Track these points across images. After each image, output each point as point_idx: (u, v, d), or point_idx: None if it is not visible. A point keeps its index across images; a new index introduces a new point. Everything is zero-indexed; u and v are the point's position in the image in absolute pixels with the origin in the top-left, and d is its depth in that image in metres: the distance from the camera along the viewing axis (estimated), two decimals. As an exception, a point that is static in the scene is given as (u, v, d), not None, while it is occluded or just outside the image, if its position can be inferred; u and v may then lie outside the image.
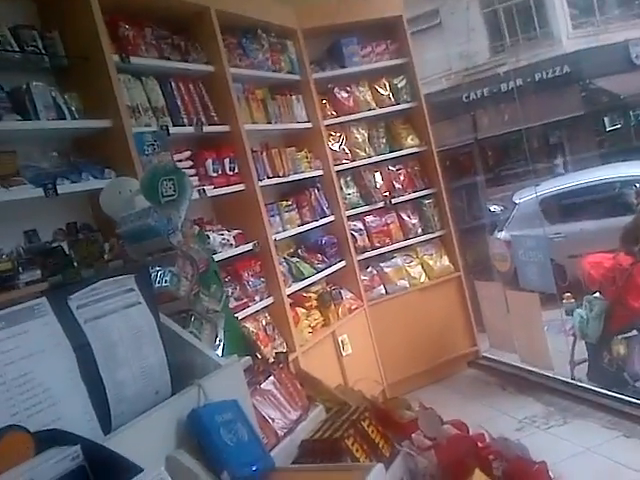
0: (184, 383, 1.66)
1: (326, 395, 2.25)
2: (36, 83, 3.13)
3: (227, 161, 4.41)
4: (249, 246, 4.51)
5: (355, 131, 5.97)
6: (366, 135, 6.04)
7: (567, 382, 5.34)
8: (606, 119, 18.64)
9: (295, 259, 5.21)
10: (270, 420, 1.91)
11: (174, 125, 3.95)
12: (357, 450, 1.87)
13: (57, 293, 1.48)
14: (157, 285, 1.86)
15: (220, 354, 1.96)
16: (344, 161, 5.87)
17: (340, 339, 5.28)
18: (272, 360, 2.18)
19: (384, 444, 1.99)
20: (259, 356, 2.32)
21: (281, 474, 1.63)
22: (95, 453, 1.21)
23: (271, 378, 2.01)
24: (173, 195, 1.95)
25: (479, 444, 2.16)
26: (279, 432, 1.91)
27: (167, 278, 1.87)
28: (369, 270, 5.98)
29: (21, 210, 3.16)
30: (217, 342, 2.01)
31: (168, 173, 1.93)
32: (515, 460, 2.05)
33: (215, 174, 4.30)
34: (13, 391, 1.28)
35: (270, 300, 4.64)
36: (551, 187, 9.52)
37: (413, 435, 2.10)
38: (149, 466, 1.23)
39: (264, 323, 4.56)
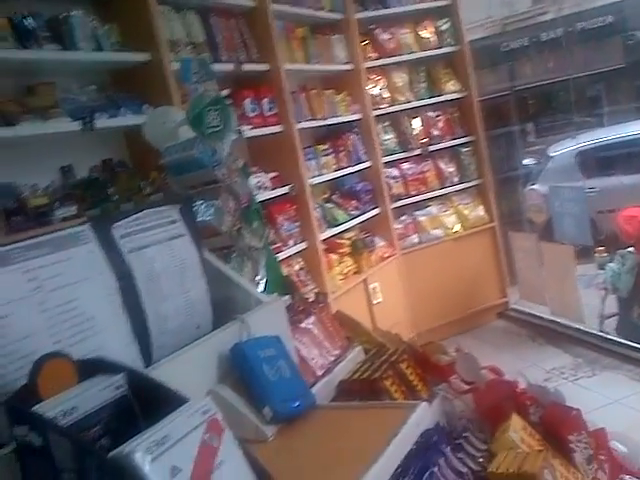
0: (225, 318, 1.64)
1: (365, 337, 2.22)
2: (75, 12, 3.06)
3: (265, 101, 4.34)
4: (285, 189, 4.47)
5: (395, 74, 5.84)
6: (407, 79, 5.91)
7: (596, 335, 5.31)
8: (646, 72, 18.13)
9: (330, 205, 5.17)
10: (309, 359, 1.89)
11: (213, 61, 3.85)
12: (395, 391, 1.85)
13: (100, 221, 1.45)
14: (200, 219, 1.83)
15: (261, 292, 1.94)
16: (383, 105, 5.75)
17: (371, 287, 5.26)
18: (312, 300, 2.15)
19: (422, 386, 1.96)
20: (298, 296, 2.29)
21: (323, 411, 1.61)
22: (139, 382, 1.19)
23: (311, 317, 1.98)
24: (218, 126, 1.90)
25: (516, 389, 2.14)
26: (318, 371, 1.89)
27: (210, 212, 1.84)
28: (403, 218, 5.92)
29: (57, 145, 3.16)
30: (258, 279, 1.98)
31: (214, 103, 1.88)
32: (551, 406, 2.03)
33: (253, 114, 4.25)
34: (56, 319, 1.27)
35: (304, 245, 4.62)
36: (588, 140, 9.30)
37: (451, 378, 2.07)
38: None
39: (297, 268, 4.54)
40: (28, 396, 1.06)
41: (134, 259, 1.46)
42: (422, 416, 1.53)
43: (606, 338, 5.22)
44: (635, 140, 8.94)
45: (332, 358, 1.95)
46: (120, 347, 1.37)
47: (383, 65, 5.80)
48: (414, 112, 5.97)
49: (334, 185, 5.46)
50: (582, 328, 5.38)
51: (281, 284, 2.26)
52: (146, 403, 1.16)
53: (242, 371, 1.53)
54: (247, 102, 4.21)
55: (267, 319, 1.70)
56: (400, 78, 5.86)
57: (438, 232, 5.97)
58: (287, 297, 2.05)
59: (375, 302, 5.27)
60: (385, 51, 5.76)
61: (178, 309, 1.54)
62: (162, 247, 1.54)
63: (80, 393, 1.10)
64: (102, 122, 3.11)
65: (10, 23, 2.81)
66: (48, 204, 2.89)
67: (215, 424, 1.06)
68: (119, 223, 1.46)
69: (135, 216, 1.50)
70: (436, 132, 6.01)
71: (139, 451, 0.92)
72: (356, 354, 2.04)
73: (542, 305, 5.82)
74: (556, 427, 1.90)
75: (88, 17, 3.16)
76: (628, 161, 8.71)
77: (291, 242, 4.49)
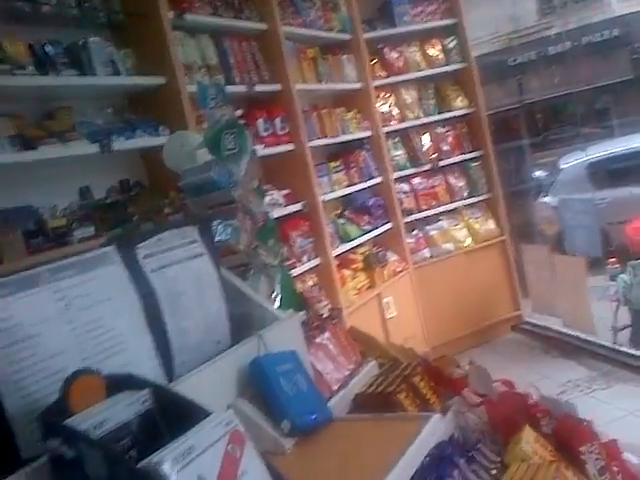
0: (243, 334, 1.70)
1: (378, 351, 2.26)
2: (93, 39, 3.16)
3: (278, 121, 4.42)
4: (298, 206, 4.54)
5: (404, 92, 5.92)
6: (415, 96, 5.99)
7: (610, 347, 5.30)
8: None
9: (342, 220, 5.22)
10: (324, 373, 1.94)
11: (226, 83, 3.93)
12: (409, 405, 1.89)
13: (125, 242, 1.52)
14: (218, 238, 1.89)
15: (277, 308, 1.99)
16: (392, 122, 5.83)
17: (385, 301, 5.29)
18: (326, 315, 2.20)
19: (435, 400, 2.00)
20: (311, 312, 2.34)
21: (339, 424, 1.66)
22: (164, 397, 1.24)
23: (326, 333, 2.03)
24: (234, 149, 1.97)
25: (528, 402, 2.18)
26: (333, 386, 1.93)
27: (228, 231, 1.90)
28: (415, 233, 5.97)
29: (75, 167, 3.23)
30: (274, 296, 2.04)
31: (230, 126, 1.95)
32: (563, 418, 2.06)
33: (266, 133, 4.32)
34: (84, 336, 1.33)
35: (317, 261, 4.67)
36: (598, 152, 9.32)
37: (464, 391, 2.11)
38: (212, 413, 1.27)
39: (311, 284, 4.57)
40: (60, 410, 1.11)
41: (156, 278, 1.52)
42: (435, 427, 1.57)
43: (618, 350, 5.20)
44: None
45: (347, 372, 2.00)
46: (144, 363, 1.43)
47: (392, 83, 5.87)
48: (423, 128, 6.04)
49: (346, 201, 5.51)
50: (595, 340, 5.38)
51: (295, 301, 2.31)
52: (171, 416, 1.22)
53: (260, 385, 1.59)
54: (260, 122, 4.29)
55: (283, 335, 1.75)
56: (409, 95, 5.94)
57: (449, 246, 6.00)
58: (302, 313, 2.09)
59: (389, 316, 5.30)
60: (394, 69, 5.84)
61: (198, 326, 1.59)
62: (183, 266, 1.60)
63: (109, 407, 1.16)
64: (119, 144, 3.19)
65: (31, 50, 2.90)
66: (67, 225, 2.96)
67: (237, 435, 1.12)
68: (142, 244, 1.52)
69: (157, 237, 1.56)
70: (445, 147, 6.07)
71: (167, 461, 0.97)
72: (370, 368, 2.09)
73: (555, 317, 5.82)
74: (568, 438, 1.92)
75: (105, 43, 3.25)
76: (638, 172, 8.71)
77: (305, 258, 4.54)
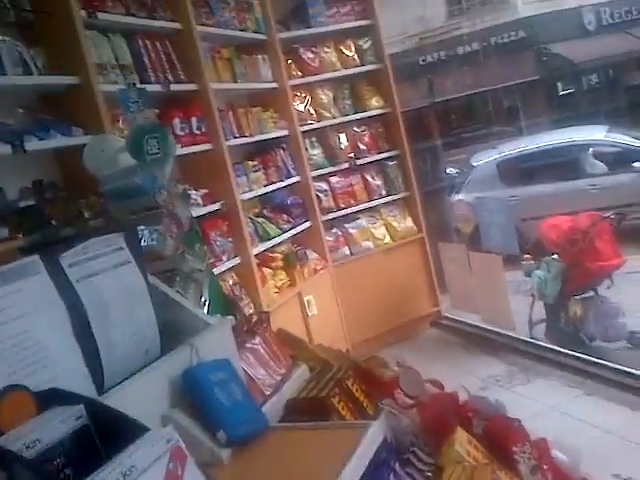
0: (172, 342, 1.66)
1: (308, 354, 2.25)
2: (2, 37, 3.01)
3: (194, 120, 4.35)
4: (216, 206, 4.48)
5: (320, 92, 5.93)
6: (331, 96, 6.01)
7: (529, 342, 5.46)
8: (559, 84, 18.93)
9: (261, 219, 5.19)
10: (256, 379, 1.91)
11: (141, 83, 3.84)
12: (343, 408, 1.88)
13: (48, 251, 1.45)
14: (143, 244, 1.84)
15: (206, 313, 1.95)
16: (309, 122, 5.84)
17: (306, 299, 5.30)
18: (255, 319, 2.18)
19: (367, 403, 2.01)
20: (240, 315, 2.31)
21: (276, 433, 1.64)
22: (98, 412, 1.20)
23: (256, 337, 2.01)
24: (158, 153, 1.91)
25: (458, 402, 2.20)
26: (265, 391, 1.91)
27: (154, 237, 1.85)
28: (334, 231, 6.00)
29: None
30: (202, 301, 2.00)
31: (153, 131, 1.90)
32: (494, 418, 2.10)
33: (182, 133, 4.25)
34: (9, 350, 1.27)
35: (237, 260, 4.63)
36: (508, 149, 9.63)
37: (395, 394, 2.12)
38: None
39: (231, 283, 4.54)
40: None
41: (83, 288, 1.46)
42: (374, 436, 1.57)
43: (537, 345, 5.38)
44: (553, 149, 9.31)
45: (279, 377, 1.98)
46: (73, 376, 1.38)
47: (308, 83, 5.88)
48: (340, 127, 6.08)
49: (265, 200, 5.49)
50: (513, 335, 5.53)
51: (223, 304, 2.28)
52: (106, 432, 1.17)
53: (194, 396, 1.55)
54: (176, 121, 4.21)
55: (215, 342, 1.72)
56: (325, 95, 5.95)
57: (368, 244, 6.06)
58: (231, 317, 2.06)
59: (310, 314, 5.31)
60: (309, 69, 5.84)
61: (127, 336, 1.54)
62: (109, 275, 1.54)
63: (41, 425, 1.11)
64: (32, 145, 3.06)
65: None
66: (-22, 227, 2.82)
67: (178, 452, 1.08)
68: (67, 252, 1.46)
69: (82, 245, 1.50)
70: (362, 146, 6.12)
71: (107, 483, 0.93)
72: (301, 372, 2.07)
73: (473, 313, 5.96)
74: (500, 439, 1.96)
75: (14, 42, 3.11)
76: (548, 170, 9.05)
77: (224, 258, 4.49)
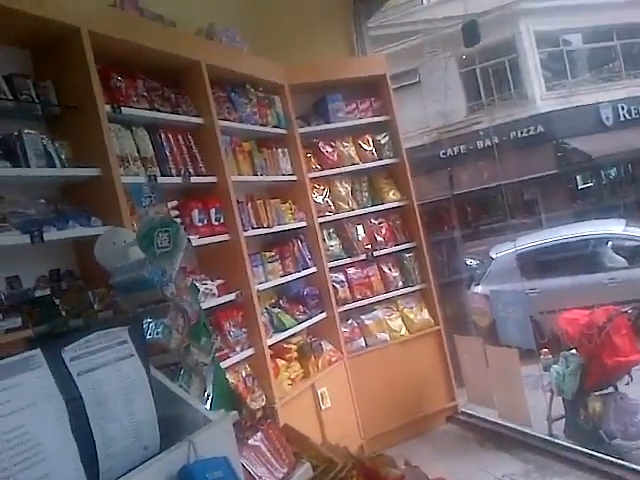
0: (172, 437, 1.64)
1: (312, 452, 2.22)
2: (28, 131, 3.15)
3: (213, 211, 4.44)
4: (232, 296, 4.50)
5: (339, 184, 6.04)
6: (349, 188, 6.11)
7: (545, 439, 5.32)
8: (578, 177, 19.12)
9: (276, 310, 5.20)
10: (257, 477, 1.89)
11: (162, 175, 3.98)
12: (345, 509, 1.86)
13: (51, 344, 1.47)
14: (149, 336, 1.86)
15: (208, 408, 1.95)
16: (327, 213, 5.92)
17: (319, 392, 5.23)
18: (259, 415, 2.17)
19: (371, 503, 1.98)
20: (245, 410, 2.30)
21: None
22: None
23: (259, 434, 2.00)
24: (168, 247, 1.96)
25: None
26: (266, 489, 1.89)
27: (159, 330, 1.87)
28: (349, 322, 5.98)
29: (3, 256, 3.15)
30: (205, 396, 2.00)
31: (164, 225, 1.94)
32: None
33: (200, 224, 4.33)
34: (4, 445, 1.27)
35: (251, 351, 4.60)
36: (527, 242, 9.64)
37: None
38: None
39: (244, 374, 4.50)
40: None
41: (83, 382, 1.47)
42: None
43: (554, 443, 5.23)
44: (572, 243, 9.31)
45: (280, 476, 1.96)
46: (67, 472, 1.37)
47: (327, 176, 6.00)
48: (358, 219, 6.15)
49: (281, 290, 5.51)
50: (530, 432, 5.40)
51: (228, 398, 2.26)
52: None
53: (190, 494, 1.53)
54: (195, 212, 4.30)
55: (215, 438, 1.70)
56: (343, 188, 6.06)
57: (384, 336, 6.01)
58: (234, 413, 2.05)
59: (324, 407, 5.23)
60: (328, 163, 5.97)
61: (126, 431, 1.54)
62: (111, 369, 1.55)
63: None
64: (50, 235, 3.14)
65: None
66: (-9, 316, 2.86)
67: None
68: (70, 346, 1.47)
69: (86, 338, 1.52)
70: (379, 238, 6.17)
71: None
72: (304, 471, 2.05)
73: (491, 408, 5.84)
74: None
75: (40, 135, 3.24)
76: (566, 263, 9.02)
77: (238, 348, 4.47)
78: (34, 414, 1.34)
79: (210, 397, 2.00)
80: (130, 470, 1.50)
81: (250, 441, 1.94)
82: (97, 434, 1.46)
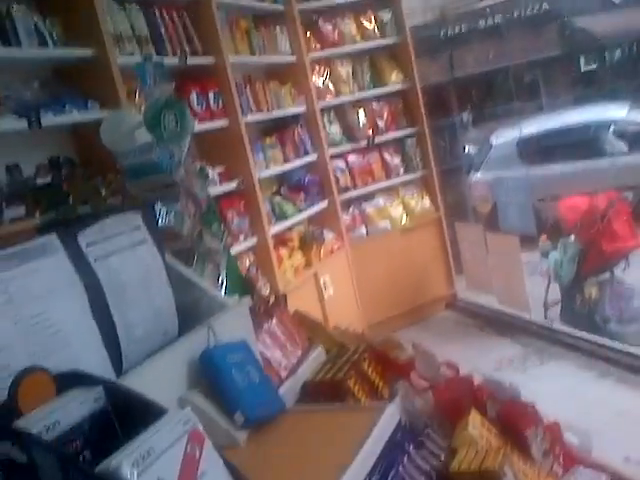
0: (190, 323, 1.64)
1: (324, 336, 2.24)
2: (17, 7, 2.96)
3: (211, 95, 4.29)
4: (233, 184, 4.43)
5: (339, 66, 5.84)
6: (350, 70, 5.92)
7: (543, 325, 5.43)
8: (582, 59, 18.62)
9: (278, 198, 5.14)
10: (273, 361, 1.90)
11: (158, 55, 3.79)
12: (358, 391, 1.88)
13: (66, 230, 1.43)
14: (161, 223, 1.82)
15: (223, 294, 1.94)
16: (328, 97, 5.76)
17: (322, 280, 5.26)
18: (272, 300, 2.16)
19: (383, 385, 2.00)
20: (258, 296, 2.29)
21: (292, 415, 1.63)
22: (117, 394, 1.18)
23: (273, 319, 1.99)
24: (176, 129, 1.88)
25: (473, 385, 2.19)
26: (282, 373, 1.90)
27: (171, 216, 1.82)
28: (351, 210, 5.95)
29: (1, 142, 3.05)
30: (219, 282, 1.98)
31: (171, 105, 1.86)
32: (509, 402, 2.08)
33: (199, 108, 4.19)
34: (29, 331, 1.26)
35: (254, 240, 4.57)
36: (528, 128, 9.49)
37: (410, 376, 2.11)
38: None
39: (248, 264, 4.48)
40: (9, 412, 1.05)
41: (101, 268, 1.45)
42: (390, 418, 1.56)
43: (552, 328, 5.34)
44: (574, 128, 9.17)
45: (295, 359, 1.97)
46: (92, 357, 1.37)
47: (327, 56, 5.79)
48: (359, 104, 5.99)
49: (281, 178, 5.42)
50: (528, 317, 5.49)
51: (241, 285, 2.26)
52: (124, 414, 1.16)
53: (212, 378, 1.54)
54: (193, 96, 4.15)
55: (232, 323, 1.70)
56: (344, 69, 5.86)
57: (385, 223, 6.00)
58: (248, 299, 2.04)
59: (326, 296, 5.27)
60: (328, 42, 5.75)
61: (145, 316, 1.53)
62: (127, 254, 1.53)
63: (61, 407, 1.10)
64: (47, 119, 3.01)
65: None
66: (-6, 205, 2.80)
67: (196, 434, 1.07)
68: (85, 232, 1.44)
69: (100, 223, 1.48)
70: (381, 123, 6.04)
71: (126, 465, 0.92)
72: (318, 354, 2.06)
73: (489, 294, 5.91)
74: (513, 422, 1.95)
75: (30, 12, 3.06)
76: (567, 149, 8.90)
77: (241, 237, 4.44)
78: (55, 300, 1.33)
79: (224, 283, 1.98)
80: (151, 355, 1.50)
81: (265, 326, 1.94)
82: (118, 320, 1.46)
